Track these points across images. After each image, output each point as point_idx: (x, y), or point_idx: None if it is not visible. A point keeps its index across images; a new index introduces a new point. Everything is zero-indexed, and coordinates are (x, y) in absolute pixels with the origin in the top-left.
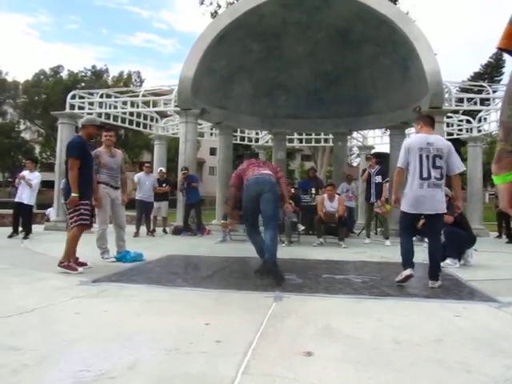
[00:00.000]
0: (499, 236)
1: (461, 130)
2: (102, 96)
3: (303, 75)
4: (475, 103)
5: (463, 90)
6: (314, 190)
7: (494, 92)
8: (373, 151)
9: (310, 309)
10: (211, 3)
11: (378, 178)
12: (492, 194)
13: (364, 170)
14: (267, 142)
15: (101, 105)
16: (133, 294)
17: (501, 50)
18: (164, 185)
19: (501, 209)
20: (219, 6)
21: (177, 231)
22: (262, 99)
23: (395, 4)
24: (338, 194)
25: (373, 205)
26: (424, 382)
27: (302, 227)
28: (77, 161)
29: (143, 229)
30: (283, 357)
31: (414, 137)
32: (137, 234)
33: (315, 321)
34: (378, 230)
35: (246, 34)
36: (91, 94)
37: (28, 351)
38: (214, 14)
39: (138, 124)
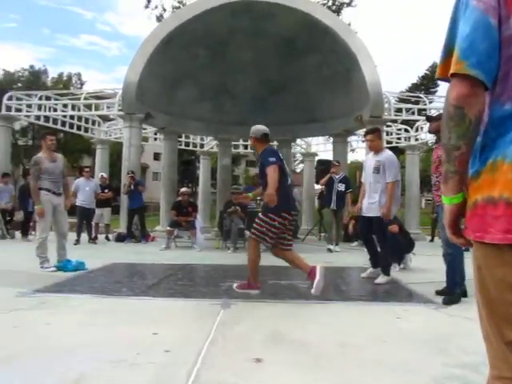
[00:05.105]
0: (432, 240)
1: (399, 138)
2: (41, 98)
3: (249, 82)
4: (413, 113)
5: (401, 100)
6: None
7: (430, 103)
8: (317, 158)
9: (258, 315)
10: (156, 7)
11: (342, 186)
12: (428, 200)
13: (322, 174)
14: (212, 148)
15: (40, 107)
16: (75, 305)
17: (438, 79)
18: (106, 190)
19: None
20: (164, 10)
21: (120, 238)
22: (208, 105)
23: (338, 16)
24: None
25: (335, 211)
26: (369, 383)
27: (248, 233)
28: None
29: (84, 236)
30: (233, 364)
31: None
32: (78, 242)
33: (263, 327)
34: (322, 235)
35: (192, 39)
36: (29, 95)
37: None
38: (159, 18)
39: (78, 127)
